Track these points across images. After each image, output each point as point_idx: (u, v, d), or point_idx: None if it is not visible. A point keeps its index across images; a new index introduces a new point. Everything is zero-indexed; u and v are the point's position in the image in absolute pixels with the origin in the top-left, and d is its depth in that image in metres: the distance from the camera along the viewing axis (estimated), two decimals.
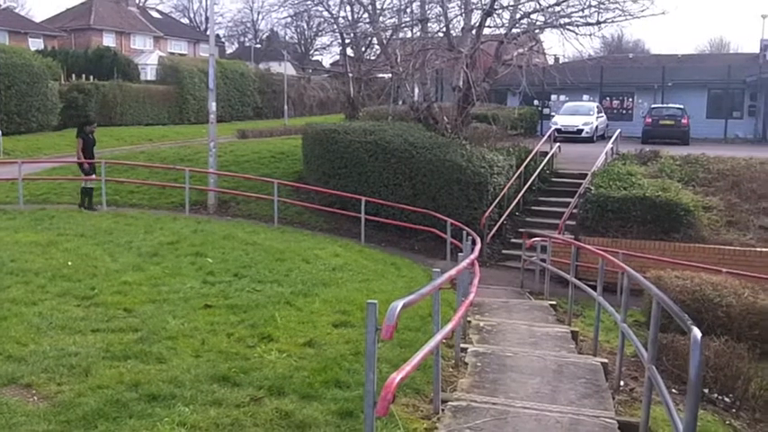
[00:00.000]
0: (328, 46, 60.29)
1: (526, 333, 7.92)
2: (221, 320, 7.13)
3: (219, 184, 18.88)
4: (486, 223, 15.37)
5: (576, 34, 18.07)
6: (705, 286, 9.79)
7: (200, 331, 6.69)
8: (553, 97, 34.29)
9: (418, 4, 20.06)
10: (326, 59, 70.30)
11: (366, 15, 23.93)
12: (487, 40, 19.15)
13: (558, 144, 21.26)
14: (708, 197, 16.42)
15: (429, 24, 19.74)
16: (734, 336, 8.62)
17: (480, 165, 16.16)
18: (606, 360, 6.72)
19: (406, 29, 21.40)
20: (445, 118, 19.37)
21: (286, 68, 49.46)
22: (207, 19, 62.76)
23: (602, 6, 17.63)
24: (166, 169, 19.93)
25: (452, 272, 5.90)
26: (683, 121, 28.51)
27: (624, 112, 35.53)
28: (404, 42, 22.20)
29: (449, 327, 5.10)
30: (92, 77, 36.37)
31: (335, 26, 28.93)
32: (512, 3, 18.52)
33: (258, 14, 74.95)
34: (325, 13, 28.47)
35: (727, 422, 6.72)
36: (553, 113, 32.14)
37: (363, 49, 30.11)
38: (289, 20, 45.47)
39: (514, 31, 18.38)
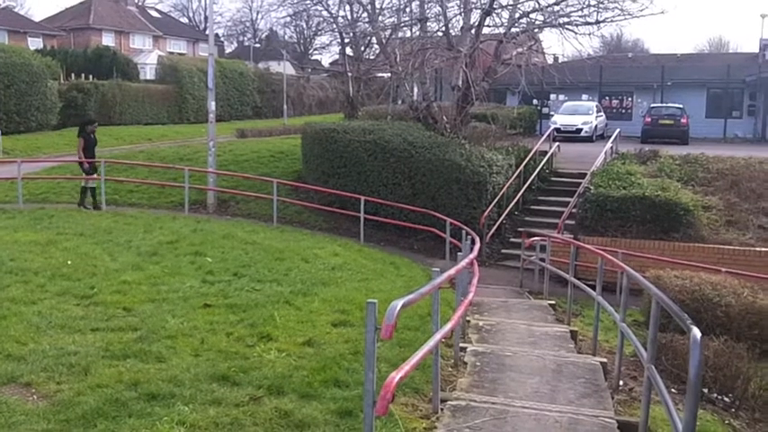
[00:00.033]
0: (327, 45, 60.47)
1: (525, 332, 7.93)
2: (220, 320, 7.14)
3: (219, 184, 18.88)
4: (485, 223, 15.38)
5: (576, 34, 18.09)
6: (704, 286, 9.79)
7: (200, 330, 6.69)
8: (552, 97, 34.29)
9: (417, 3, 20.06)
10: (326, 59, 70.33)
11: (365, 15, 23.95)
12: (487, 40, 19.14)
13: (557, 143, 21.27)
14: (707, 197, 16.43)
15: (428, 24, 19.74)
16: (733, 335, 8.62)
17: (479, 164, 16.16)
18: (605, 360, 6.72)
19: (405, 28, 21.39)
20: (444, 117, 19.37)
21: (285, 68, 49.45)
22: (206, 18, 62.69)
23: (601, 6, 17.64)
24: (166, 168, 19.93)
25: (452, 271, 5.90)
26: (683, 120, 28.51)
27: (623, 111, 35.53)
28: (403, 42, 22.19)
29: (448, 326, 5.10)
30: (91, 77, 36.39)
31: (335, 25, 28.96)
32: (511, 2, 18.52)
33: (257, 14, 75.08)
34: (325, 13, 28.53)
35: (727, 422, 6.72)
36: (552, 113, 32.13)
37: (362, 48, 30.13)
38: (288, 19, 45.46)
39: (513, 30, 18.38)
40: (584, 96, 33.50)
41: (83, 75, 36.49)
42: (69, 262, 9.43)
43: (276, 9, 66.19)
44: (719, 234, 14.81)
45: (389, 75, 24.85)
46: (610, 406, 5.42)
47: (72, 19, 55.59)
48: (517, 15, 18.55)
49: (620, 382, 6.41)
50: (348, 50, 31.69)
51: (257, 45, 71.37)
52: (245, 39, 76.90)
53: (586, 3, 17.76)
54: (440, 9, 18.98)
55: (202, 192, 18.25)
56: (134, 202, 18.20)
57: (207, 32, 29.42)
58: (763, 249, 13.75)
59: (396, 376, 3.47)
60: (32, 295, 7.66)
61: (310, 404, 5.08)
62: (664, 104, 31.19)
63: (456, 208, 15.74)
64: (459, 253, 7.33)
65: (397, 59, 21.17)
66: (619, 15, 17.76)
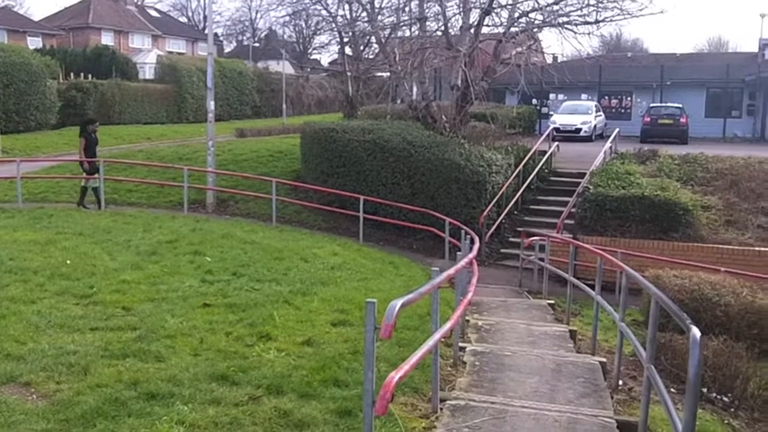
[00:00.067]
0: (327, 45, 60.38)
1: (524, 332, 7.93)
2: (220, 319, 7.13)
3: (218, 183, 18.87)
4: (484, 222, 15.38)
5: (575, 33, 18.09)
6: (703, 285, 9.79)
7: (199, 330, 6.69)
8: (551, 96, 34.29)
9: (417, 2, 20.07)
10: (325, 58, 70.41)
11: (364, 14, 23.94)
12: (486, 39, 19.13)
13: (556, 143, 21.28)
14: (706, 196, 16.43)
15: (427, 23, 19.75)
16: (732, 335, 8.62)
17: (479, 164, 16.16)
18: (605, 359, 6.73)
19: (404, 27, 21.40)
20: (444, 117, 19.37)
21: (284, 67, 49.46)
22: (205, 18, 62.65)
23: (600, 5, 17.63)
24: (165, 168, 19.94)
25: (451, 271, 5.90)
26: (682, 120, 28.51)
27: (623, 111, 35.54)
28: (402, 41, 22.19)
29: (447, 326, 5.10)
30: (90, 76, 36.35)
31: (334, 25, 28.94)
32: (510, 1, 18.52)
33: (256, 13, 75.12)
34: (324, 12, 28.52)
35: (726, 421, 6.73)
36: (551, 112, 32.14)
37: (362, 47, 30.14)
38: (287, 18, 45.47)
39: (513, 29, 18.38)
40: (584, 96, 33.51)
41: (82, 74, 36.46)
42: (68, 261, 9.42)
43: (275, 8, 66.35)
44: (719, 234, 14.82)
45: (388, 74, 24.85)
46: (609, 405, 5.42)
47: (71, 18, 55.57)
48: (516, 15, 18.56)
49: (620, 382, 6.42)
50: (347, 50, 31.71)
51: (256, 44, 71.32)
52: (245, 38, 76.91)
53: (586, 2, 17.76)
54: (439, 8, 19.00)
55: (201, 191, 18.25)
56: (133, 201, 18.19)
57: (206, 32, 29.41)
58: (763, 249, 13.76)
59: (395, 376, 3.47)
60: (32, 294, 7.65)
61: (309, 404, 5.07)
62: (663, 104, 31.20)
63: (455, 207, 15.74)
64: (458, 252, 7.32)
65: (397, 59, 21.17)
66: (618, 15, 17.77)
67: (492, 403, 5.24)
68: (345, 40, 30.69)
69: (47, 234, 11.59)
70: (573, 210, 15.91)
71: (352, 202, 16.29)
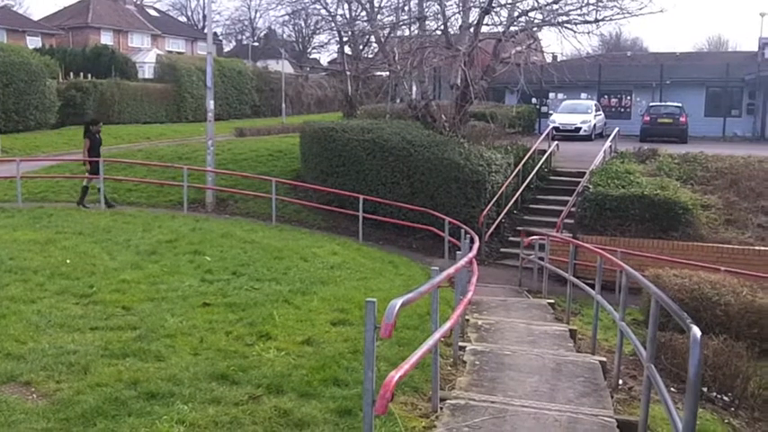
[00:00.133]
0: (326, 44, 60.40)
1: (524, 331, 7.93)
2: (220, 319, 7.13)
3: (217, 183, 18.87)
4: (484, 221, 15.38)
5: (575, 32, 18.07)
6: (703, 285, 9.78)
7: (199, 329, 6.69)
8: (551, 95, 34.30)
9: (416, 1, 20.07)
10: (324, 57, 70.41)
11: (364, 13, 23.93)
12: (485, 38, 19.14)
13: (556, 142, 21.29)
14: (706, 195, 16.43)
15: (427, 22, 19.74)
16: (732, 334, 8.62)
17: (478, 163, 16.16)
18: (605, 359, 6.72)
19: (403, 27, 21.40)
20: (443, 116, 19.36)
21: (284, 66, 49.45)
22: (204, 17, 62.58)
23: (600, 4, 17.62)
24: (164, 167, 19.94)
25: (451, 270, 5.90)
26: (682, 119, 28.50)
27: (622, 110, 35.55)
28: (402, 40, 22.19)
29: (447, 325, 5.10)
30: (89, 76, 36.32)
31: (333, 24, 28.88)
32: (509, 1, 18.51)
33: (256, 12, 75.17)
34: (323, 11, 28.46)
35: (726, 421, 6.73)
36: (551, 111, 32.14)
37: (361, 47, 30.08)
38: (286, 18, 45.54)
39: (512, 29, 18.37)
40: (583, 95, 33.52)
41: (81, 74, 36.43)
42: (68, 261, 9.42)
43: (274, 8, 66.43)
44: (718, 233, 14.82)
45: (388, 73, 24.83)
46: (609, 405, 5.42)
47: (70, 18, 55.58)
48: (516, 14, 18.55)
49: (620, 381, 6.42)
50: (347, 49, 31.65)
51: (256, 44, 71.33)
52: (244, 37, 76.93)
53: (585, 1, 17.76)
54: (438, 7, 18.99)
55: (201, 191, 18.24)
56: (133, 200, 18.20)
57: (205, 31, 29.38)
58: (763, 248, 13.76)
59: (395, 375, 3.47)
60: (32, 294, 7.65)
61: (309, 403, 5.07)
62: (663, 103, 31.20)
63: (455, 207, 15.74)
64: (458, 252, 7.32)
65: (396, 58, 21.16)
66: (618, 14, 17.75)
67: (492, 402, 5.24)
68: (345, 39, 30.64)
69: (46, 233, 11.59)
70: (573, 209, 15.91)
71: (351, 202, 16.29)
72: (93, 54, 41.30)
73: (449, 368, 6.29)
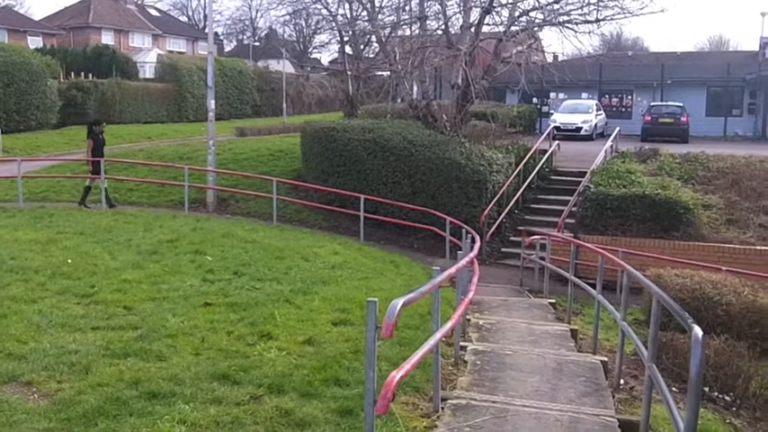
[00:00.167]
0: (327, 44, 60.21)
1: (525, 331, 7.92)
2: (221, 318, 7.13)
3: (218, 182, 18.87)
4: (485, 221, 15.37)
5: (575, 32, 18.08)
6: (705, 284, 9.78)
7: (200, 329, 6.69)
8: (552, 95, 34.27)
9: (417, 1, 20.07)
10: (325, 57, 70.33)
11: (365, 13, 23.94)
12: (486, 38, 19.14)
13: (557, 142, 21.26)
14: (707, 195, 16.42)
15: (428, 22, 19.73)
16: (734, 334, 8.62)
17: (479, 163, 16.15)
18: (606, 358, 6.71)
19: (404, 26, 21.39)
20: (444, 116, 19.36)
21: (285, 66, 49.45)
22: (205, 17, 62.65)
23: (600, 4, 17.62)
24: (165, 167, 19.95)
25: (452, 270, 5.90)
26: (683, 118, 28.48)
27: (623, 109, 35.52)
28: (402, 40, 22.17)
29: (448, 325, 5.09)
30: (91, 75, 36.34)
31: (334, 24, 28.90)
32: (510, 0, 18.52)
33: (257, 12, 75.14)
34: (324, 11, 28.50)
35: (728, 420, 6.73)
36: (552, 111, 32.13)
37: (362, 46, 30.12)
38: (287, 17, 45.55)
39: (513, 28, 18.37)
40: (584, 95, 33.50)
41: (82, 73, 36.45)
42: (69, 260, 9.42)
43: (275, 7, 66.20)
44: (720, 233, 14.80)
45: (389, 73, 24.84)
46: (611, 405, 5.41)
47: (71, 18, 55.57)
48: (517, 14, 18.55)
49: (621, 381, 6.41)
50: (347, 49, 31.69)
51: (257, 43, 71.32)
52: (245, 37, 76.89)
53: (586, 1, 17.76)
54: (439, 7, 19.00)
55: (202, 190, 18.25)
56: (134, 200, 18.21)
57: (206, 31, 29.40)
58: (764, 248, 13.75)
59: (396, 375, 3.47)
60: (33, 294, 7.66)
61: (311, 403, 5.07)
62: (664, 103, 31.17)
63: (456, 206, 15.74)
64: (459, 252, 7.32)
65: (397, 58, 21.17)
66: (619, 14, 17.75)
67: (493, 402, 5.24)
68: (345, 39, 30.67)
69: (48, 233, 11.60)
70: (574, 209, 15.90)
71: (352, 202, 16.28)
72: (94, 54, 41.30)
73: (450, 368, 6.29)
